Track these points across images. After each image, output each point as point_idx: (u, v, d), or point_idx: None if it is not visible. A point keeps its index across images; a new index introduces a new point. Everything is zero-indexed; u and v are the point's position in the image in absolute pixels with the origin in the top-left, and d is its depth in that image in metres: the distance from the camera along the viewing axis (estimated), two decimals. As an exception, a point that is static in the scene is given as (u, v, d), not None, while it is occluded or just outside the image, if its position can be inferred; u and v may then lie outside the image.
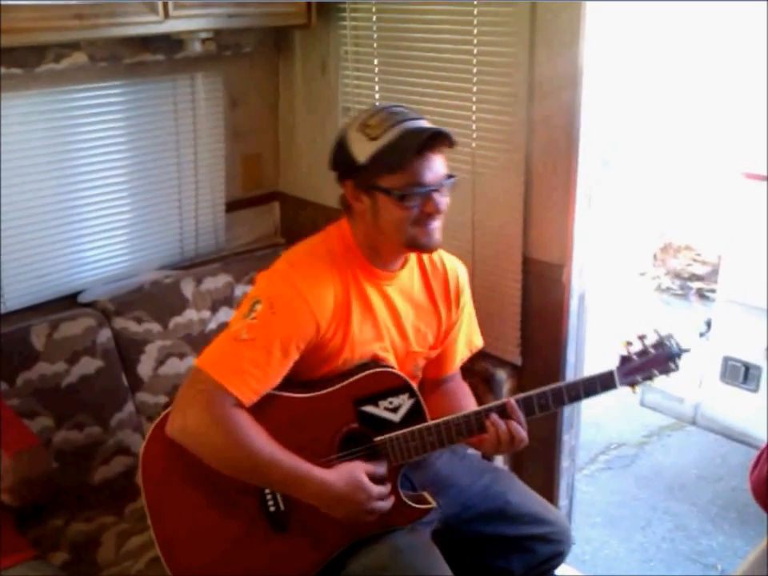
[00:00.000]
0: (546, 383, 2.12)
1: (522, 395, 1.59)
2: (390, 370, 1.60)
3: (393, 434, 1.57)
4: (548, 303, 2.12)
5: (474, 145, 2.15)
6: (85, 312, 2.14)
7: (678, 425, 3.46)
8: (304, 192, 2.76)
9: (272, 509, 1.54)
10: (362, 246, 1.59)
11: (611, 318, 4.00)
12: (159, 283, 2.28)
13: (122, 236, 2.46)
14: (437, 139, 1.49)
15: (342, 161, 1.55)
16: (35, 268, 2.29)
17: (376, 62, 2.36)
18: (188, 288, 2.29)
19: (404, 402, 1.59)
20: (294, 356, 1.50)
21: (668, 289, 4.93)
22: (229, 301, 2.34)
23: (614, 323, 3.96)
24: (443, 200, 1.53)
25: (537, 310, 2.15)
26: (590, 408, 2.27)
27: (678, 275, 4.99)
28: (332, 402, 1.55)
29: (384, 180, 1.48)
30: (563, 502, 2.35)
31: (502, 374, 2.22)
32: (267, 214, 2.87)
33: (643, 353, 1.62)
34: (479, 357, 1.92)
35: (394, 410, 1.58)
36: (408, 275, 1.67)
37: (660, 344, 1.63)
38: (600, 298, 2.74)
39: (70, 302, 2.34)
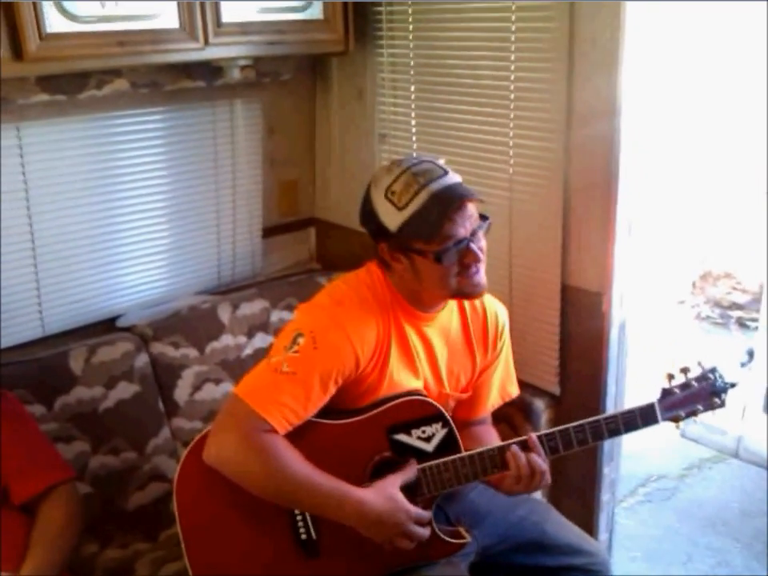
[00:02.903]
0: (584, 414, 2.09)
1: (550, 430, 1.56)
2: (422, 398, 1.58)
3: (426, 464, 1.55)
4: (587, 332, 2.08)
5: (511, 171, 2.13)
6: (123, 336, 2.15)
7: (720, 457, 3.37)
8: (339, 218, 2.76)
9: (303, 536, 1.53)
10: (402, 291, 1.59)
11: (652, 347, 3.95)
12: (196, 308, 2.29)
13: (160, 261, 2.48)
14: (464, 192, 1.48)
15: (372, 226, 1.54)
16: (74, 293, 2.31)
17: (413, 88, 2.36)
18: (225, 313, 2.29)
19: (437, 432, 1.57)
20: (332, 390, 1.50)
21: (708, 317, 4.86)
22: (265, 326, 2.34)
23: (654, 353, 3.90)
24: (481, 245, 1.51)
25: (576, 339, 2.12)
26: (629, 439, 2.21)
27: (717, 304, 4.92)
28: (365, 429, 1.54)
29: (418, 244, 1.48)
30: (603, 536, 2.29)
31: (539, 404, 2.18)
32: (303, 240, 2.87)
33: (686, 386, 1.58)
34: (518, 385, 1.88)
35: (427, 439, 1.56)
36: (447, 315, 1.66)
37: (704, 377, 1.58)
38: (640, 326, 2.70)
39: (108, 326, 2.36)
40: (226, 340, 2.27)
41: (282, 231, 2.80)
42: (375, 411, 1.55)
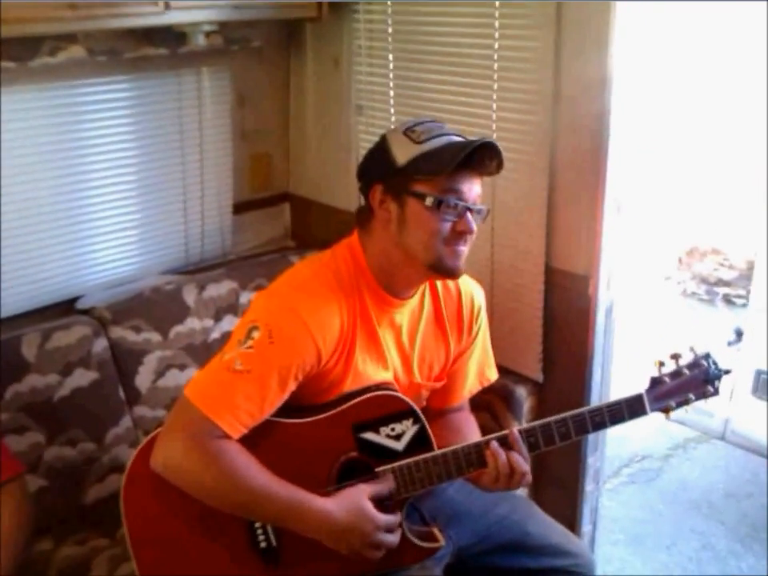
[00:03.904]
0: (569, 401, 2.04)
1: (531, 424, 1.46)
2: (391, 393, 1.47)
3: (396, 464, 1.44)
4: (572, 316, 1.99)
5: (494, 146, 2.01)
6: (79, 320, 2.02)
7: (704, 437, 3.33)
8: (315, 194, 2.64)
9: (263, 545, 1.42)
10: (374, 269, 1.46)
11: (638, 327, 3.89)
12: (159, 290, 2.17)
13: (123, 239, 2.36)
14: (485, 154, 1.37)
15: (376, 163, 1.44)
16: (33, 272, 2.19)
17: (391, 57, 2.23)
18: (190, 295, 2.17)
19: (408, 429, 1.46)
20: (292, 387, 1.38)
21: (693, 294, 4.83)
22: (233, 308, 2.22)
23: (641, 334, 3.85)
24: (474, 224, 1.40)
25: (560, 324, 2.02)
26: (615, 391, 2.14)
27: (704, 280, 4.88)
28: (329, 428, 1.43)
29: (421, 185, 1.37)
30: (586, 527, 2.21)
31: (521, 391, 2.09)
32: (277, 217, 2.75)
33: (677, 374, 1.48)
34: (498, 372, 1.78)
35: (397, 437, 1.45)
36: (418, 300, 1.54)
37: (696, 364, 1.49)
38: (627, 306, 2.63)
39: (68, 308, 2.24)
40: (192, 323, 2.14)
41: (254, 207, 2.67)
42: (339, 408, 1.43)
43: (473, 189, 1.39)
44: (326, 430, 1.42)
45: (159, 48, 2.11)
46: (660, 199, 4.87)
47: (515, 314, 2.07)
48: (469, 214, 1.38)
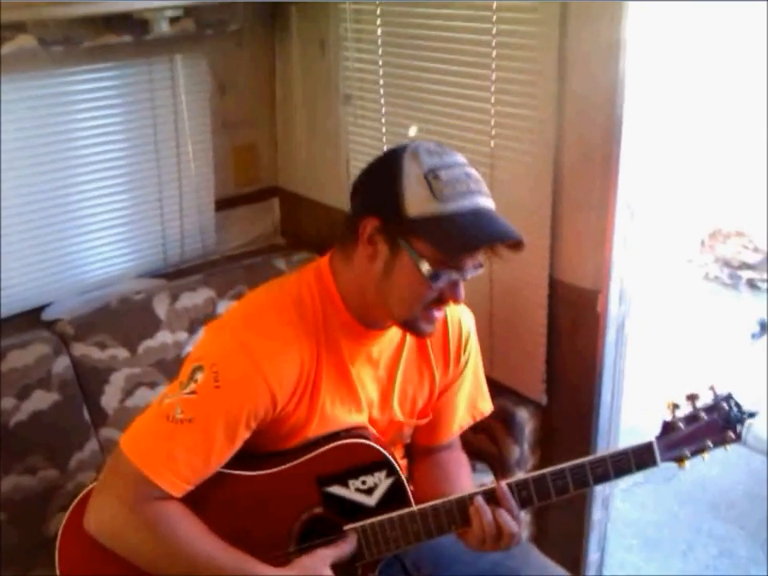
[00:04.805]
0: (574, 426, 1.88)
1: (523, 476, 1.28)
2: (362, 441, 1.30)
3: (366, 522, 1.28)
4: (579, 333, 1.80)
5: (492, 144, 1.82)
6: (39, 336, 1.86)
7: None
8: (305, 189, 2.46)
9: None
10: (346, 298, 1.27)
11: (656, 321, 3.72)
12: (128, 300, 2.00)
13: (95, 241, 2.21)
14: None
15: (380, 195, 1.20)
16: (-2, 279, 2.04)
17: (380, 42, 2.03)
18: (161, 306, 2.00)
19: (380, 482, 1.29)
20: (244, 436, 1.21)
21: (716, 278, 4.66)
22: (210, 319, 2.00)
23: (659, 328, 3.68)
24: (463, 292, 1.25)
25: (566, 342, 1.84)
26: (629, 414, 2.01)
27: (727, 263, 4.71)
28: (291, 481, 1.27)
29: (424, 247, 1.17)
30: (593, 555, 2.05)
31: (523, 414, 1.92)
32: (265, 212, 2.58)
33: (693, 418, 1.30)
34: (498, 392, 1.62)
35: (368, 491, 1.29)
36: (397, 329, 1.36)
37: (716, 407, 1.30)
38: (643, 309, 2.47)
39: (34, 317, 2.09)
40: (163, 337, 1.98)
41: (240, 203, 2.50)
42: (302, 459, 1.26)
43: (475, 259, 1.23)
44: (287, 483, 1.26)
45: (122, 35, 1.92)
46: (682, 181, 4.71)
47: (516, 331, 1.89)
48: (461, 284, 1.22)
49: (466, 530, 1.28)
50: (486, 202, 1.20)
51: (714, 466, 2.95)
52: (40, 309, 2.13)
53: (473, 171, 1.22)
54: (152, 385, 1.95)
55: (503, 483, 1.26)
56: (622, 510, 2.64)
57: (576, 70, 1.65)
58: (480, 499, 1.25)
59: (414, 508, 1.27)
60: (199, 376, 1.17)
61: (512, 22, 1.72)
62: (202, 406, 1.17)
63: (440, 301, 1.22)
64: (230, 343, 1.20)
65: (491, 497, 1.26)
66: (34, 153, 2.01)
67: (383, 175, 1.21)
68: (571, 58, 1.65)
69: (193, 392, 1.17)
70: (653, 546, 2.55)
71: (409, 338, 1.39)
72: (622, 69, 1.58)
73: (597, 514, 1.98)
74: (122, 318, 1.96)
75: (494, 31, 1.75)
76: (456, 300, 1.23)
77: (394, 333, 1.35)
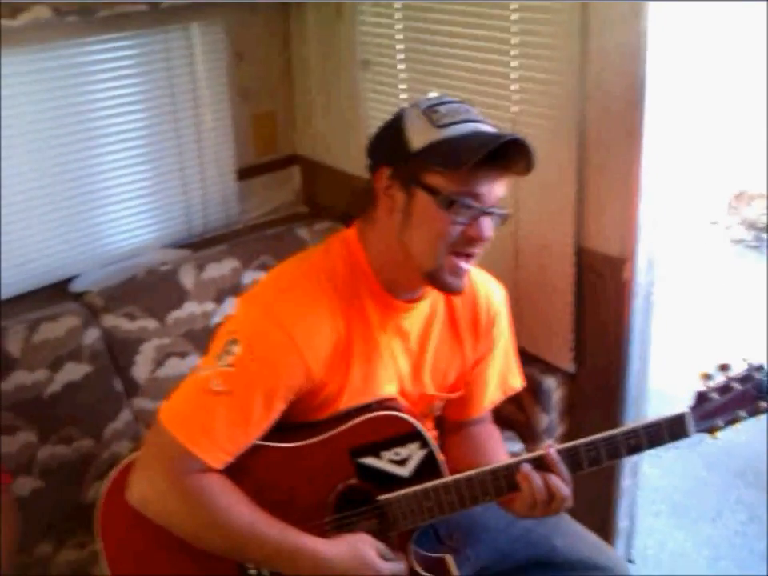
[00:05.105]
0: (602, 394, 1.88)
1: (565, 445, 1.28)
2: (394, 413, 1.30)
3: (401, 493, 1.29)
4: (607, 302, 1.79)
5: (515, 109, 1.80)
6: (69, 309, 1.88)
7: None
8: (324, 156, 2.45)
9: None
10: (376, 267, 1.27)
11: (682, 285, 3.68)
12: (155, 272, 2.01)
13: (119, 212, 2.22)
14: (513, 150, 1.16)
15: (387, 143, 1.23)
16: (25, 253, 2.07)
17: (398, 5, 2.00)
18: (188, 277, 2.01)
19: (414, 454, 1.29)
20: (280, 408, 1.23)
21: (741, 240, 4.57)
22: (236, 289, 2.06)
23: (685, 294, 3.64)
24: (490, 229, 1.21)
25: (593, 309, 1.83)
26: (655, 377, 1.99)
27: (752, 225, 4.62)
28: (325, 452, 1.27)
29: (434, 177, 1.17)
30: (623, 522, 2.06)
31: (551, 382, 1.92)
32: (286, 181, 2.57)
33: (726, 389, 1.29)
34: (526, 361, 1.61)
35: (402, 462, 1.29)
36: (429, 301, 1.36)
37: (748, 377, 1.29)
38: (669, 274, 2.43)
39: (61, 289, 2.12)
40: (191, 307, 1.99)
41: (261, 172, 2.49)
42: (335, 431, 1.27)
43: (493, 190, 1.19)
44: (320, 454, 1.27)
45: (138, 4, 1.89)
46: (706, 142, 4.61)
47: (543, 299, 1.88)
48: (484, 218, 1.19)
49: (512, 498, 1.29)
50: (488, 128, 1.20)
51: (740, 432, 2.91)
52: (67, 281, 2.15)
53: (474, 108, 1.23)
54: (182, 355, 1.97)
55: (552, 449, 1.26)
56: (649, 476, 2.60)
57: (599, 31, 1.62)
58: (527, 466, 1.26)
59: (449, 479, 1.28)
60: (235, 349, 1.18)
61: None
62: (239, 379, 1.18)
63: (465, 238, 1.19)
64: (265, 316, 1.21)
65: (539, 464, 1.26)
66: (53, 125, 2.02)
67: (388, 127, 1.24)
68: (594, 19, 1.62)
69: (230, 365, 1.18)
70: (681, 512, 2.53)
71: (440, 312, 1.39)
72: (645, 29, 1.55)
73: (626, 481, 1.98)
74: (149, 289, 1.97)
75: (515, -6, 1.73)
76: (481, 236, 1.19)
77: (424, 306, 1.36)
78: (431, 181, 1.17)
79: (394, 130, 1.22)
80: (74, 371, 1.83)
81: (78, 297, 2.01)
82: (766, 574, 2.24)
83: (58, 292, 2.10)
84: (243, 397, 1.18)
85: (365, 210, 1.28)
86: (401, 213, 1.21)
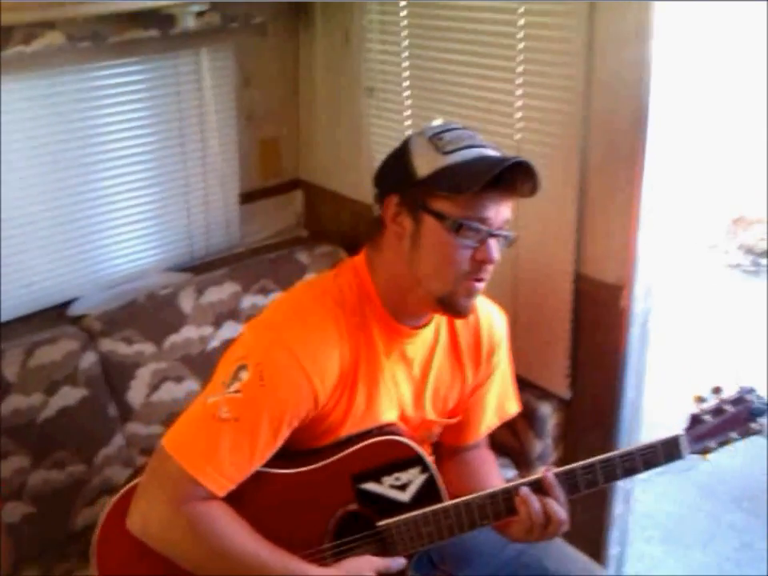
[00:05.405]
0: (597, 421, 1.88)
1: (562, 468, 1.28)
2: (396, 438, 1.30)
3: (401, 518, 1.28)
4: (603, 329, 1.79)
5: (517, 137, 1.80)
6: (66, 332, 1.87)
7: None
8: (327, 181, 2.45)
9: None
10: (382, 294, 1.28)
11: (678, 311, 3.67)
12: (154, 296, 2.00)
13: (122, 235, 2.21)
14: (518, 174, 1.18)
15: (394, 171, 1.26)
16: (26, 275, 2.06)
17: (404, 33, 2.01)
18: (187, 300, 2.00)
19: (414, 479, 1.29)
20: (285, 435, 1.22)
21: (738, 265, 4.61)
22: (234, 314, 2.05)
23: (681, 319, 3.62)
24: (498, 252, 1.22)
25: (590, 336, 1.83)
26: (650, 409, 2.00)
27: (749, 250, 4.67)
28: (325, 478, 1.27)
29: (441, 203, 1.19)
30: (614, 549, 2.04)
31: (546, 409, 1.92)
32: (288, 205, 2.57)
33: (719, 411, 1.32)
34: (521, 387, 1.61)
35: (402, 487, 1.29)
36: (432, 328, 1.36)
37: (740, 400, 1.33)
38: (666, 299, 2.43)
39: (60, 312, 2.10)
40: (188, 332, 1.98)
41: (263, 196, 2.49)
42: (337, 456, 1.27)
43: (500, 212, 1.21)
44: (321, 480, 1.27)
45: (149, 30, 1.91)
46: (705, 167, 4.63)
47: (540, 325, 1.88)
48: (492, 241, 1.20)
49: (508, 522, 1.29)
50: (494, 153, 1.22)
51: (735, 456, 2.90)
52: (66, 304, 2.13)
53: (478, 135, 1.26)
54: (178, 379, 1.96)
55: (549, 473, 1.27)
56: (641, 501, 2.57)
57: (603, 61, 1.63)
58: (526, 489, 1.26)
59: (448, 503, 1.28)
60: (244, 375, 1.18)
61: (539, 14, 1.70)
62: (247, 405, 1.17)
63: (474, 262, 1.21)
64: (274, 342, 1.21)
65: (537, 487, 1.26)
66: (60, 148, 2.01)
67: (395, 156, 1.27)
68: (598, 48, 1.63)
69: (238, 391, 1.17)
70: (673, 538, 2.53)
71: (442, 338, 1.38)
72: (649, 59, 1.56)
73: (618, 508, 1.97)
74: (148, 313, 1.96)
75: (520, 22, 1.73)
76: (489, 258, 1.20)
77: (428, 333, 1.36)
78: (439, 206, 1.19)
79: (400, 158, 1.24)
80: (69, 395, 1.81)
81: (77, 320, 2.00)
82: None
83: (56, 316, 2.09)
84: (250, 424, 1.18)
85: (373, 237, 1.29)
86: (409, 239, 1.22)
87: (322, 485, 1.27)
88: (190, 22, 1.84)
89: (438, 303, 1.25)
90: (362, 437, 1.29)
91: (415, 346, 1.34)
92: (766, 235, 4.63)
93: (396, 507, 1.29)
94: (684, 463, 1.33)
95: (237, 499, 1.20)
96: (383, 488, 1.29)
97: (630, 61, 1.58)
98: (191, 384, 1.97)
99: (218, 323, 2.03)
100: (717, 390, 1.34)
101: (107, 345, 1.89)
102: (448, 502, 1.28)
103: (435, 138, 1.22)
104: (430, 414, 1.40)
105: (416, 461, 1.30)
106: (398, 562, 1.28)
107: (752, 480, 2.79)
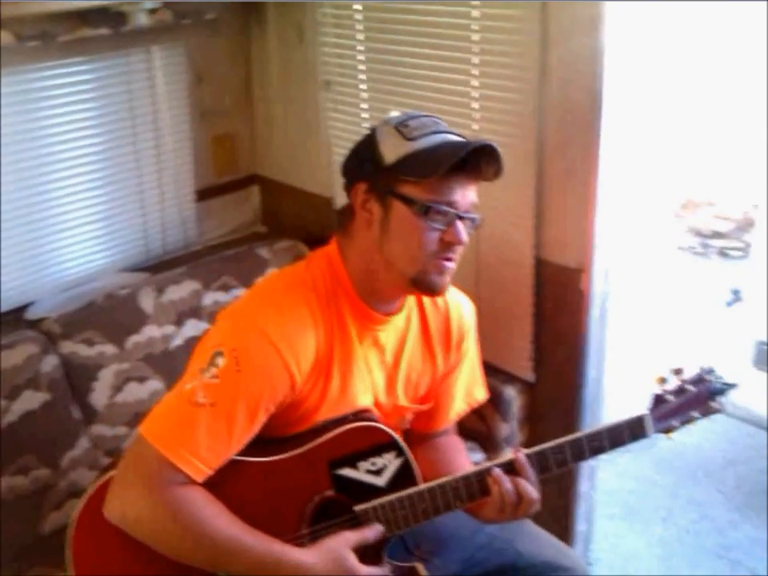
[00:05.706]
0: (561, 402, 1.92)
1: (533, 449, 1.31)
2: (371, 424, 1.32)
3: (377, 502, 1.30)
4: (564, 312, 1.83)
5: (475, 127, 1.83)
6: (25, 336, 1.83)
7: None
8: (285, 176, 2.45)
9: None
10: (355, 280, 1.30)
11: (632, 292, 3.76)
12: (113, 297, 1.97)
13: (76, 237, 2.19)
14: (482, 158, 1.21)
15: (361, 160, 1.28)
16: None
17: (359, 26, 2.02)
18: (147, 300, 1.98)
19: (390, 463, 1.31)
20: (262, 420, 1.22)
21: (689, 247, 4.71)
22: (196, 312, 2.04)
23: (635, 300, 3.72)
24: (465, 234, 1.24)
25: (552, 320, 1.87)
26: (608, 386, 2.05)
27: (698, 233, 4.76)
28: (302, 465, 1.28)
29: (409, 188, 1.22)
30: (581, 526, 2.09)
31: (511, 392, 1.95)
32: (245, 201, 2.56)
33: (680, 391, 1.36)
34: (486, 372, 1.64)
35: (378, 472, 1.31)
36: (404, 315, 1.38)
37: (700, 380, 1.37)
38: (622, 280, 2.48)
39: (17, 317, 2.06)
40: (150, 331, 1.96)
41: (220, 192, 2.49)
42: (313, 444, 1.28)
43: (466, 195, 1.24)
44: (298, 467, 1.27)
45: (99, 28, 1.89)
46: (653, 151, 4.72)
47: (503, 310, 1.91)
48: (459, 223, 1.23)
49: (480, 504, 1.31)
50: (459, 139, 1.25)
51: (691, 434, 2.97)
52: (22, 308, 2.10)
53: (442, 122, 1.28)
54: (141, 379, 1.94)
55: (521, 454, 1.29)
56: (604, 480, 2.59)
57: (557, 51, 1.66)
58: (498, 470, 1.29)
59: (423, 486, 1.30)
60: (220, 361, 1.18)
61: (494, 6, 1.72)
62: (224, 391, 1.18)
63: (443, 243, 1.23)
64: (249, 328, 1.21)
65: (509, 468, 1.29)
66: (10, 150, 1.99)
67: (362, 145, 1.30)
68: (552, 37, 1.66)
69: (215, 376, 1.17)
70: (634, 513, 2.58)
71: (414, 325, 1.41)
72: (602, 48, 1.59)
73: (583, 486, 2.02)
74: (108, 314, 1.93)
75: (476, 15, 1.75)
76: (457, 240, 1.23)
77: (400, 320, 1.38)
78: (406, 191, 1.21)
79: (367, 146, 1.27)
80: (31, 400, 1.78)
81: (35, 324, 1.96)
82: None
83: (14, 320, 2.05)
84: (227, 409, 1.18)
85: (343, 226, 1.31)
86: (379, 225, 1.24)
87: (299, 471, 1.28)
88: (141, 20, 1.82)
89: (412, 284, 1.27)
90: (338, 423, 1.30)
91: (387, 332, 1.36)
92: (714, 217, 4.77)
93: (372, 492, 1.30)
94: (647, 441, 1.36)
95: (214, 488, 1.21)
96: (359, 473, 1.30)
97: (583, 50, 1.61)
98: (155, 383, 1.95)
99: (179, 321, 2.01)
100: (678, 371, 1.37)
101: (68, 347, 1.86)
102: (423, 486, 1.30)
103: (401, 126, 1.24)
104: (402, 400, 1.42)
105: (391, 445, 1.31)
106: (374, 531, 1.29)
107: (707, 455, 2.87)
